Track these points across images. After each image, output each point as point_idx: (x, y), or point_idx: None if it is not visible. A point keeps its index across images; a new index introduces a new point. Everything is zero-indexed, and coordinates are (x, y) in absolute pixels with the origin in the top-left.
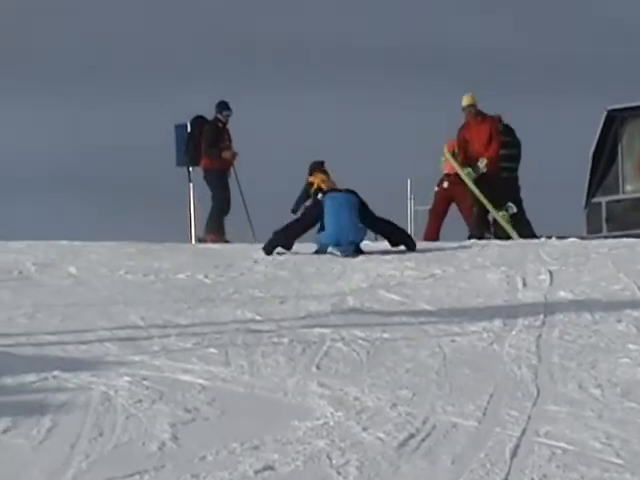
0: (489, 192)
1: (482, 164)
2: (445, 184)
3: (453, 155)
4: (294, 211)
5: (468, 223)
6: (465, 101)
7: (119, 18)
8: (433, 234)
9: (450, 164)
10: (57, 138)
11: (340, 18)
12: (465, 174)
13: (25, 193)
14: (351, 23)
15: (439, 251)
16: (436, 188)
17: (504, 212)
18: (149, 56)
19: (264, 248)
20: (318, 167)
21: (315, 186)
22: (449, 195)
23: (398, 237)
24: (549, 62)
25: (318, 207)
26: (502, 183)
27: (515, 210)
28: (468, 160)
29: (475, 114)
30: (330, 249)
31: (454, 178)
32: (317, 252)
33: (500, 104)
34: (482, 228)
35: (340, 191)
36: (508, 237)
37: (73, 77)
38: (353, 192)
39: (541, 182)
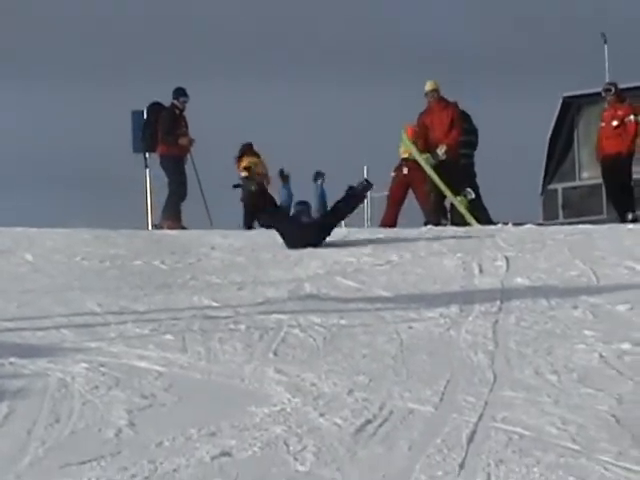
0: (447, 178)
1: (441, 151)
2: (404, 170)
3: (412, 142)
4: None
5: (424, 209)
6: (428, 86)
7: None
8: (391, 220)
9: (409, 150)
10: (9, 122)
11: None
12: (424, 160)
13: None
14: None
15: (396, 237)
16: (393, 174)
17: (462, 197)
18: (105, 42)
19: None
20: (248, 149)
21: (245, 165)
22: (407, 181)
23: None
24: (502, 50)
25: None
26: (460, 169)
27: (473, 196)
28: (428, 146)
29: (438, 99)
30: None
31: (412, 164)
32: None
33: (455, 91)
34: (439, 214)
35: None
36: (465, 223)
37: (32, 62)
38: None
39: (498, 169)
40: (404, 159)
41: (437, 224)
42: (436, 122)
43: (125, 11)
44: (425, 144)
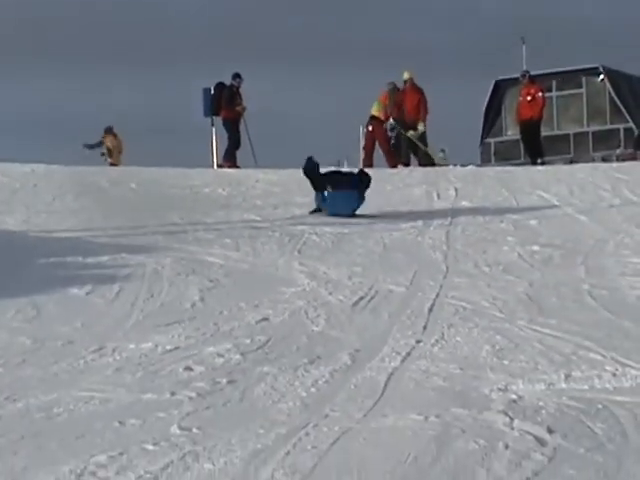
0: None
1: (421, 127)
2: (369, 127)
3: (384, 105)
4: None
5: (385, 155)
6: (405, 75)
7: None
8: (369, 162)
9: (385, 111)
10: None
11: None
12: (409, 135)
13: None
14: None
15: (382, 175)
16: (365, 130)
17: (413, 132)
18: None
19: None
20: (109, 130)
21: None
22: (373, 135)
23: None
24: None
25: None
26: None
27: (423, 129)
28: (400, 114)
29: (411, 85)
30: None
31: (376, 122)
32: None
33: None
34: (397, 160)
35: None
36: (429, 164)
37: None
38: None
39: (451, 129)
40: (372, 117)
41: (398, 165)
42: (408, 101)
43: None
44: (398, 112)
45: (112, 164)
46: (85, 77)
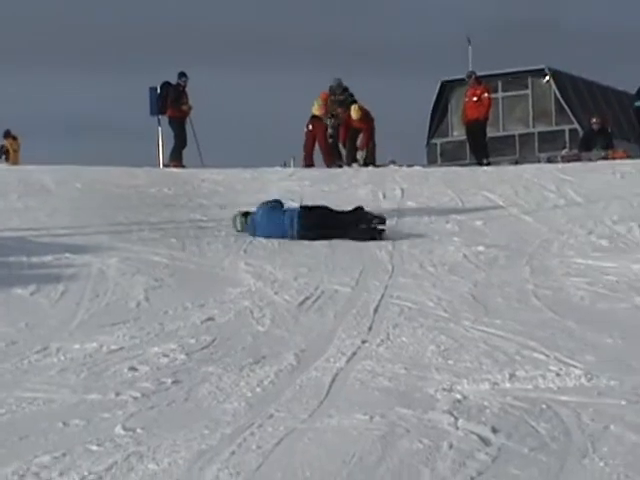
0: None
1: (359, 155)
2: (309, 126)
3: (323, 103)
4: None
5: (323, 153)
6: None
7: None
8: (310, 162)
9: (323, 108)
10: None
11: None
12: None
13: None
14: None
15: (327, 174)
16: (305, 129)
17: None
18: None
19: None
20: (7, 133)
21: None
22: (313, 134)
23: None
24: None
25: None
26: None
27: (363, 156)
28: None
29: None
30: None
31: (316, 121)
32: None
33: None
34: (335, 159)
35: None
36: (370, 164)
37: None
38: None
39: (397, 130)
40: (313, 116)
41: (333, 166)
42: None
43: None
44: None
45: (13, 163)
46: (27, 75)
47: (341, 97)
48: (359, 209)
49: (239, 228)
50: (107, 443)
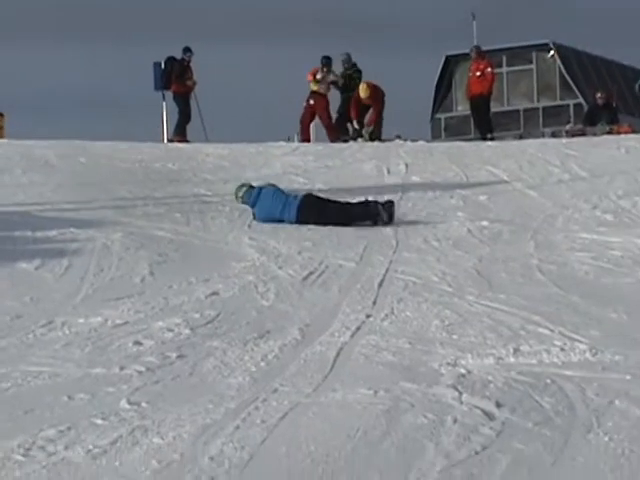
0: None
1: (367, 130)
2: (310, 101)
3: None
4: None
5: (326, 128)
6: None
7: None
8: (307, 137)
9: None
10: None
11: None
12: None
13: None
14: None
15: (331, 149)
16: (304, 104)
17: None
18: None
19: None
20: None
21: None
22: (313, 109)
23: None
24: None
25: None
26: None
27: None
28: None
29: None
30: None
31: (317, 96)
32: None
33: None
34: (339, 134)
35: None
36: (376, 139)
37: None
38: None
39: (402, 105)
40: (312, 91)
41: (339, 140)
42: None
43: None
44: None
45: None
46: (32, 50)
47: (349, 72)
48: (365, 202)
49: (243, 198)
50: (112, 417)
